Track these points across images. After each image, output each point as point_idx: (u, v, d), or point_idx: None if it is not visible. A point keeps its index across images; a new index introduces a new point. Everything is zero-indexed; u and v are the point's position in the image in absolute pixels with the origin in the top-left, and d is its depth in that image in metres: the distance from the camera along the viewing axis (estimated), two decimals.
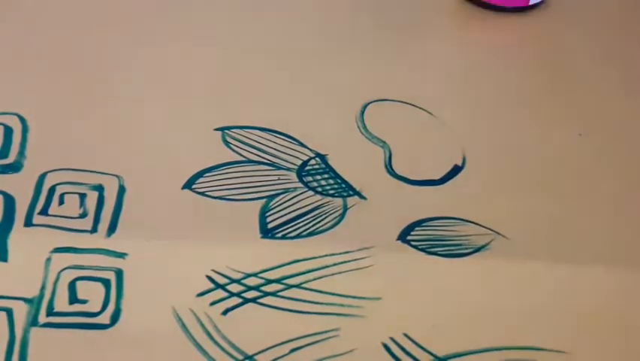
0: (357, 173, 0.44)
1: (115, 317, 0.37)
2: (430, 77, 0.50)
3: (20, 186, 0.42)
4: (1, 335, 0.36)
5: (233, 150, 0.44)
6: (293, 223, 0.41)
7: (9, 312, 0.37)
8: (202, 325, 0.37)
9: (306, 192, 0.43)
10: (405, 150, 0.44)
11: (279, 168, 0.44)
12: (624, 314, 0.39)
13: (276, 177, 0.43)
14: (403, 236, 0.41)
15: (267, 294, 0.39)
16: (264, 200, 0.42)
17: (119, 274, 0.39)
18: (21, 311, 0.37)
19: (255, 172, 0.43)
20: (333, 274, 0.40)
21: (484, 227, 0.42)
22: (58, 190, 0.42)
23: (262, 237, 0.41)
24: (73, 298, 0.38)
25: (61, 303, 0.38)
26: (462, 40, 0.53)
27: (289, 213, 0.42)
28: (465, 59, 0.51)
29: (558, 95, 0.50)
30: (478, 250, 0.41)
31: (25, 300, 0.38)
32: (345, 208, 0.42)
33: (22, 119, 0.44)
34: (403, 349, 0.37)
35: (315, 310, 0.38)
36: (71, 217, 0.41)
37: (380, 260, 0.40)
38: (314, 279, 0.39)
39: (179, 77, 0.48)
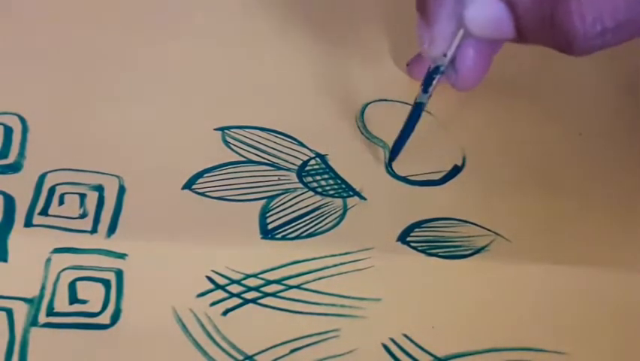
0: (357, 173, 0.44)
1: (115, 317, 0.37)
2: None
3: (20, 186, 0.41)
4: (1, 335, 0.36)
5: (234, 150, 0.44)
6: (293, 224, 0.41)
7: (9, 312, 0.37)
8: (202, 325, 0.38)
9: (306, 192, 0.43)
10: (405, 150, 0.44)
11: (280, 168, 0.44)
12: (624, 315, 0.40)
13: (276, 178, 0.43)
14: (403, 237, 0.41)
15: (267, 295, 0.39)
16: (265, 200, 0.42)
17: (119, 274, 0.39)
18: (21, 311, 0.37)
19: (255, 172, 0.43)
20: (333, 275, 0.40)
21: (484, 228, 0.42)
22: (59, 190, 0.41)
23: (262, 237, 0.41)
24: (74, 299, 0.38)
25: (62, 303, 0.38)
26: None
27: (289, 213, 0.42)
28: None
29: (558, 94, 0.50)
30: (478, 251, 0.41)
31: (25, 300, 0.38)
32: (345, 209, 0.42)
33: (22, 119, 0.44)
34: (402, 350, 0.38)
35: (315, 310, 0.38)
36: (71, 218, 0.41)
37: (380, 261, 0.40)
38: (314, 280, 0.39)
39: (179, 76, 0.48)
